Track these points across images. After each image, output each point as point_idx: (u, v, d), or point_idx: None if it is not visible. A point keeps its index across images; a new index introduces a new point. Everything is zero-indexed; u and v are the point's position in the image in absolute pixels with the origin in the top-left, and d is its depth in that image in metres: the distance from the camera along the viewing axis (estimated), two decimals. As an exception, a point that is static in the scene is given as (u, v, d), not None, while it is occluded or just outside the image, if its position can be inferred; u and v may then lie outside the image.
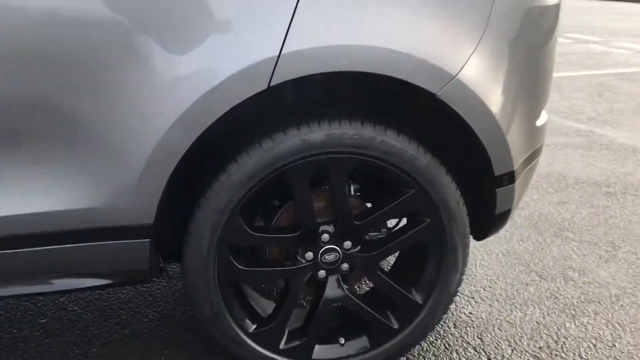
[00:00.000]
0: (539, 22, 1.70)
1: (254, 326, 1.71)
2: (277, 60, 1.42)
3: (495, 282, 2.37)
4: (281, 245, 1.73)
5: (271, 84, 1.44)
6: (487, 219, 1.79)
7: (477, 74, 1.56)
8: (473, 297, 2.26)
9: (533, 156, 1.85)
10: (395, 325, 1.76)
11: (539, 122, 1.82)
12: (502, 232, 2.79)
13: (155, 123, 1.43)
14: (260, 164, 1.53)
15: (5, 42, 1.34)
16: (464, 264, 1.75)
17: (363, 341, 1.78)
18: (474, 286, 2.35)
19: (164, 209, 1.55)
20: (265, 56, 1.42)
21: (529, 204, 3.15)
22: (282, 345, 1.72)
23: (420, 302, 1.76)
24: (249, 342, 1.69)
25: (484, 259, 2.55)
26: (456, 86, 1.53)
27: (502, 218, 1.80)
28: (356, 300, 1.73)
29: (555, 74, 1.98)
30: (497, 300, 2.25)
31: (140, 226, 1.52)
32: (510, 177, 1.71)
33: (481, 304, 2.22)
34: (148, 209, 1.50)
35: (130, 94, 1.41)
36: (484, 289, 2.32)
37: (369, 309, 1.74)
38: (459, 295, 2.27)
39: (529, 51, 1.68)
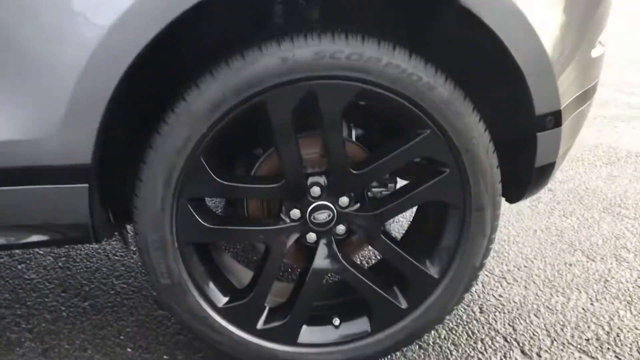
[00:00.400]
0: None
1: (226, 300, 1.37)
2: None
3: (531, 262, 1.98)
4: (260, 199, 1.38)
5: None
6: (525, 174, 1.40)
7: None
8: (504, 278, 1.88)
9: (585, 96, 1.45)
10: (404, 305, 1.40)
11: (594, 53, 1.42)
12: (541, 207, 2.39)
13: (88, 30, 1.09)
14: (228, 90, 1.17)
15: None
16: (493, 229, 1.37)
17: (363, 323, 1.42)
18: (506, 265, 1.96)
19: (108, 148, 1.23)
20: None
21: (573, 177, 2.73)
22: (259, 325, 1.37)
23: (436, 276, 1.38)
24: (218, 319, 1.35)
25: (519, 235, 2.16)
26: (487, -11, 1.15)
27: (543, 174, 1.41)
28: (354, 271, 1.37)
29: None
30: (534, 282, 1.86)
31: (74, 166, 1.19)
32: (556, 119, 1.32)
33: (514, 286, 1.84)
34: (83, 143, 1.17)
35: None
36: (518, 269, 1.94)
37: (370, 284, 1.38)
38: (486, 275, 1.89)
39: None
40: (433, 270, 1.39)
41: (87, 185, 1.21)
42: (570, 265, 1.96)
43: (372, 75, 1.19)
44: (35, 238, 1.28)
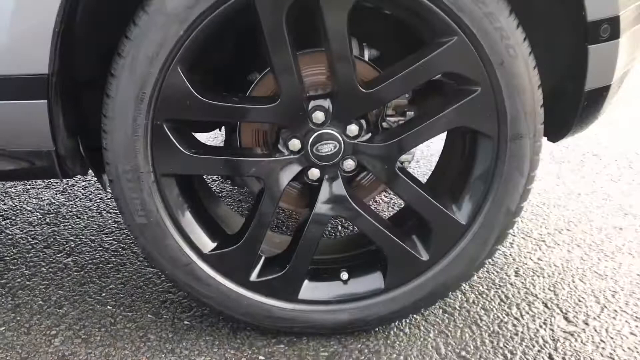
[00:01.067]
0: None
1: (213, 246, 1.16)
2: None
3: (575, 225, 1.73)
4: (251, 123, 1.17)
5: None
6: (573, 98, 1.16)
7: None
8: (544, 241, 1.64)
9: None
10: (424, 257, 1.17)
11: None
12: (585, 170, 2.13)
13: None
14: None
15: None
16: (533, 166, 1.13)
17: (376, 279, 1.20)
18: (546, 228, 1.71)
19: (70, 56, 1.04)
20: None
21: (620, 140, 2.46)
22: (253, 277, 1.17)
23: (464, 222, 1.15)
24: (204, 267, 1.14)
25: (560, 199, 1.91)
26: None
27: (594, 101, 1.17)
28: (366, 215, 1.15)
29: None
30: (578, 246, 1.61)
31: (29, 77, 1.00)
32: (613, 27, 1.08)
33: (555, 250, 1.59)
34: (38, 47, 0.98)
35: None
36: (560, 232, 1.69)
37: (385, 231, 1.16)
38: (523, 237, 1.65)
39: None
40: (460, 215, 1.16)
41: (45, 101, 1.02)
42: (621, 229, 1.70)
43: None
44: (-6, 166, 1.10)
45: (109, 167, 1.09)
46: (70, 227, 1.70)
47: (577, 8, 1.04)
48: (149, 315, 1.31)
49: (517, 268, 1.50)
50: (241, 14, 1.00)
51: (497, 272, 1.48)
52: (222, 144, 1.99)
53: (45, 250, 1.58)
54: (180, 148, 1.08)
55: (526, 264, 1.52)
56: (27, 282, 1.43)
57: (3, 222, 1.72)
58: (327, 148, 1.12)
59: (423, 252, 1.18)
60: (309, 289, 1.19)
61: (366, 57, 1.20)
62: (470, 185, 1.16)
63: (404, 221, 1.24)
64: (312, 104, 1.10)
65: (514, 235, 1.66)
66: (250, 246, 1.15)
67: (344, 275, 1.21)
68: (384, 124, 1.19)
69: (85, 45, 1.08)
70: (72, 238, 1.63)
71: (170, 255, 1.13)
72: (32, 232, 1.66)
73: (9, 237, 1.65)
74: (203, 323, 1.28)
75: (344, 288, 1.20)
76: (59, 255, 1.55)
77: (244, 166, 1.13)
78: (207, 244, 1.16)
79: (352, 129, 1.11)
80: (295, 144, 1.11)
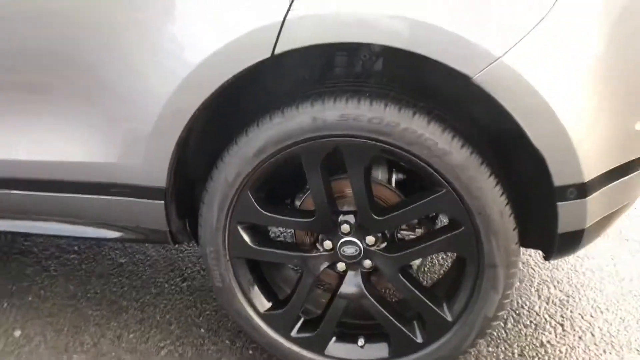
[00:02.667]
0: None
1: (268, 306, 1.63)
2: (281, 27, 1.28)
3: (601, 312, 1.95)
4: (299, 229, 1.61)
5: (275, 52, 1.30)
6: (548, 238, 1.44)
7: (535, 57, 1.24)
8: (562, 324, 1.89)
9: (629, 167, 1.43)
10: (420, 340, 1.54)
11: None
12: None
13: (163, 84, 1.39)
14: (269, 140, 1.41)
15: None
16: (507, 287, 1.44)
17: (383, 349, 1.59)
18: (571, 311, 1.95)
19: (182, 176, 1.54)
20: (268, 22, 1.28)
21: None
22: (293, 333, 1.62)
23: (450, 320, 1.50)
24: (259, 322, 1.62)
25: (599, 282, 2.11)
26: (500, 70, 1.23)
27: (570, 240, 1.44)
28: (373, 301, 1.54)
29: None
30: (592, 335, 1.85)
31: (153, 188, 1.52)
32: (579, 191, 1.35)
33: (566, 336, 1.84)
34: (159, 171, 1.49)
35: (142, 53, 1.40)
36: (582, 317, 1.92)
37: (388, 315, 1.54)
38: (540, 317, 1.91)
39: (625, 36, 1.29)
40: (448, 314, 1.51)
41: (163, 202, 1.54)
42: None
43: (391, 137, 1.34)
44: (123, 235, 1.65)
45: (201, 246, 1.59)
46: (191, 255, 2.26)
47: (546, 175, 1.33)
48: (226, 341, 1.82)
49: (522, 347, 1.79)
50: (291, 159, 1.43)
51: (504, 348, 1.78)
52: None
53: (169, 273, 2.16)
54: (247, 241, 1.54)
55: (534, 344, 1.80)
56: (153, 300, 2.01)
57: (147, 245, 2.33)
58: (350, 250, 1.52)
59: (419, 335, 1.54)
60: (334, 347, 1.61)
61: (393, 182, 1.57)
62: (459, 293, 1.50)
63: (409, 306, 1.60)
64: (341, 217, 1.51)
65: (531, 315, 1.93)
66: (292, 312, 1.60)
67: (361, 341, 1.61)
68: (399, 235, 1.56)
69: (194, 160, 1.57)
70: (190, 265, 2.20)
71: (237, 311, 1.62)
72: (164, 255, 2.26)
73: (148, 257, 2.25)
74: (262, 355, 1.76)
75: (359, 352, 1.60)
76: (178, 279, 2.12)
77: (290, 258, 1.57)
78: (264, 305, 1.63)
79: (370, 239, 1.50)
80: (328, 245, 1.53)
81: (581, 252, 2.26)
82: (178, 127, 1.42)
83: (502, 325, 1.87)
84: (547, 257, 1.54)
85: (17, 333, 1.85)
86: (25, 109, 1.53)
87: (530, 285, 2.07)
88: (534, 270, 2.16)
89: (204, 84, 1.37)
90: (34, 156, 1.56)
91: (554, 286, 2.07)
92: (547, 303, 1.98)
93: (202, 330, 1.87)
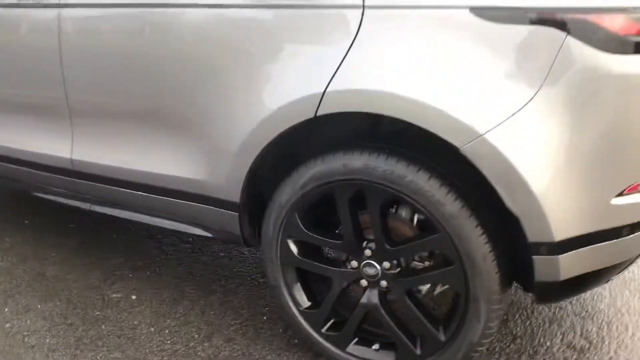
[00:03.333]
0: (617, 92, 1.51)
1: (308, 305, 2.05)
2: (322, 97, 1.71)
3: (619, 364, 2.10)
4: (332, 248, 2.01)
5: (317, 114, 1.73)
6: (528, 284, 1.71)
7: (513, 137, 1.54)
8: (574, 368, 2.08)
9: (602, 236, 1.64)
10: (418, 352, 1.87)
11: (616, 201, 1.60)
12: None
13: (242, 128, 1.89)
14: (311, 177, 1.84)
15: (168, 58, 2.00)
16: (490, 319, 1.73)
17: (390, 356, 1.94)
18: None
19: (254, 195, 2.02)
20: (313, 92, 1.72)
21: None
22: (324, 330, 2.02)
23: (443, 340, 1.82)
24: (298, 317, 2.05)
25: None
26: (482, 145, 1.55)
27: (549, 289, 1.69)
28: (384, 314, 1.90)
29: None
30: (599, 382, 2.02)
31: (231, 202, 2.02)
32: (550, 248, 1.61)
33: (576, 378, 2.04)
34: (236, 190, 1.99)
35: (232, 104, 1.91)
36: (597, 366, 2.09)
37: (394, 327, 1.89)
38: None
39: (596, 121, 1.53)
40: (442, 335, 1.83)
41: (237, 214, 2.04)
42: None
43: (399, 186, 1.71)
44: (210, 234, 2.18)
45: (262, 252, 2.06)
46: (274, 257, 2.75)
47: (521, 231, 1.61)
48: (280, 330, 2.27)
49: (527, 380, 2.02)
50: (327, 194, 1.85)
51: (509, 378, 2.03)
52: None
53: (254, 269, 2.66)
54: (293, 251, 1.98)
55: (539, 380, 2.02)
56: (235, 289, 2.52)
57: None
58: (371, 271, 1.89)
59: (419, 348, 1.87)
60: (353, 348, 1.99)
61: (415, 220, 1.91)
62: (452, 319, 1.81)
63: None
64: (365, 243, 1.89)
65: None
66: (323, 313, 2.01)
67: (376, 346, 1.97)
68: (413, 264, 1.90)
69: (264, 183, 2.04)
70: (271, 265, 2.68)
71: (283, 306, 2.06)
72: (254, 255, 2.77)
73: (241, 254, 2.78)
74: (304, 345, 2.18)
75: (372, 354, 1.97)
76: (258, 275, 2.61)
77: (324, 270, 1.98)
78: (305, 303, 2.05)
79: (386, 264, 1.87)
80: (354, 264, 1.92)
81: (623, 308, 2.40)
82: (251, 157, 1.90)
83: (516, 358, 2.12)
84: (537, 301, 1.79)
85: (134, 297, 2.47)
86: (146, 133, 2.12)
87: (557, 328, 2.27)
88: (568, 316, 2.35)
89: (272, 128, 1.83)
90: (148, 168, 2.14)
91: (581, 334, 2.24)
92: (567, 347, 2.18)
93: (264, 317, 2.34)
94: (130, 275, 2.63)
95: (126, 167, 2.21)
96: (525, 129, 1.54)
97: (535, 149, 1.55)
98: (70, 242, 2.92)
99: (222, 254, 2.80)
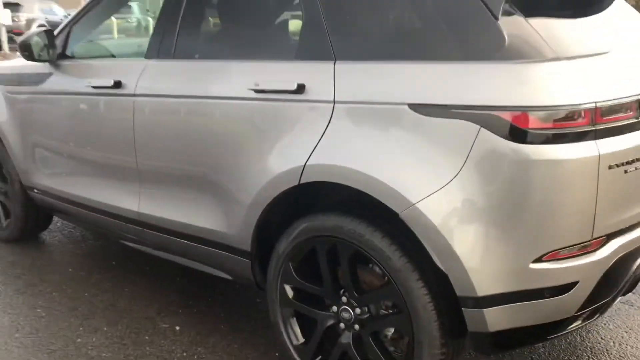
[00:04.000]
0: (520, 174, 1.83)
1: (301, 341, 2.45)
2: (303, 169, 2.18)
3: None
4: (316, 294, 2.39)
5: (300, 182, 2.21)
6: (463, 333, 2.00)
7: (440, 206, 1.91)
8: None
9: (527, 295, 1.91)
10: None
11: (535, 265, 1.88)
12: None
13: (251, 189, 2.40)
14: (300, 232, 2.30)
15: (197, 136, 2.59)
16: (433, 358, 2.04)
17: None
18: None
19: (263, 244, 2.49)
20: (297, 165, 2.20)
21: None
22: (312, 362, 2.41)
23: (397, 377, 2.14)
24: (291, 351, 2.45)
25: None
26: (414, 212, 1.93)
27: (481, 339, 1.98)
28: (355, 353, 2.26)
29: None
30: None
31: (243, 250, 2.51)
32: (475, 302, 1.91)
33: None
34: (247, 240, 2.48)
35: (246, 172, 2.43)
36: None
37: (359, 360, 2.25)
38: None
39: (505, 197, 1.86)
40: (399, 374, 2.15)
41: (249, 260, 2.51)
42: None
43: (360, 243, 2.12)
44: (224, 275, 2.67)
45: (266, 291, 2.51)
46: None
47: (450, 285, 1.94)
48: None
49: None
50: (311, 247, 2.28)
51: None
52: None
53: (280, 314, 3.08)
54: (288, 295, 2.41)
55: None
56: (264, 321, 2.96)
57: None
58: (346, 315, 2.28)
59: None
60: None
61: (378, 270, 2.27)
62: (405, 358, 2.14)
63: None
64: (342, 291, 2.28)
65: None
66: (310, 350, 2.39)
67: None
68: (381, 312, 2.25)
69: (271, 235, 2.50)
70: (296, 312, 3.10)
71: (279, 341, 2.47)
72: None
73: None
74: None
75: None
76: (283, 319, 3.03)
77: (312, 313, 2.38)
78: (299, 339, 2.45)
79: (357, 310, 2.24)
80: (334, 309, 2.31)
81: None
82: (256, 214, 2.40)
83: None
84: (475, 349, 2.07)
85: (177, 327, 2.99)
86: (188, 192, 2.70)
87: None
88: (549, 378, 2.53)
89: (271, 190, 2.33)
90: (187, 220, 2.71)
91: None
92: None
93: (276, 354, 2.75)
94: (180, 311, 3.17)
95: (172, 218, 2.79)
96: (449, 201, 1.90)
97: (458, 217, 1.90)
98: (142, 280, 3.54)
99: (258, 300, 3.27)
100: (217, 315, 3.11)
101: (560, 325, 2.04)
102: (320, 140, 2.16)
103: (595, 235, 1.91)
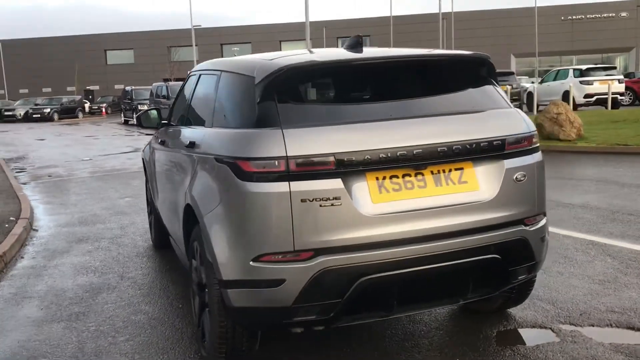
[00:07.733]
0: (244, 199, 2.68)
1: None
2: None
3: None
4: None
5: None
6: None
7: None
8: None
9: (251, 283, 2.69)
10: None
11: (254, 263, 2.66)
12: None
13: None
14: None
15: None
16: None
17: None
18: None
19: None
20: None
21: None
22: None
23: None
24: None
25: None
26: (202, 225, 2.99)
27: (231, 312, 2.84)
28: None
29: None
30: None
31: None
32: (223, 284, 2.79)
33: None
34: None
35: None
36: None
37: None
38: None
39: (232, 217, 2.77)
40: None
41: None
42: None
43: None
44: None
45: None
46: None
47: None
48: None
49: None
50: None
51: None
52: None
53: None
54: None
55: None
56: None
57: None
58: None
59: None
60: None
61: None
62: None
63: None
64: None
65: None
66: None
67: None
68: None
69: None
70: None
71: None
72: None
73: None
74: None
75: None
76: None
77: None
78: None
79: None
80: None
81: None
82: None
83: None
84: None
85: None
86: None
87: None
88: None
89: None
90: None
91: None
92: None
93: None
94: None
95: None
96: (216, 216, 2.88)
97: (217, 222, 2.85)
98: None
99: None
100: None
101: (287, 312, 2.72)
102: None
103: (297, 248, 2.65)
